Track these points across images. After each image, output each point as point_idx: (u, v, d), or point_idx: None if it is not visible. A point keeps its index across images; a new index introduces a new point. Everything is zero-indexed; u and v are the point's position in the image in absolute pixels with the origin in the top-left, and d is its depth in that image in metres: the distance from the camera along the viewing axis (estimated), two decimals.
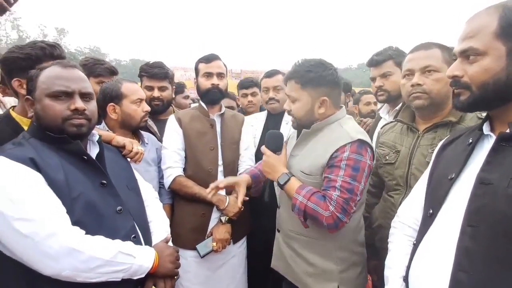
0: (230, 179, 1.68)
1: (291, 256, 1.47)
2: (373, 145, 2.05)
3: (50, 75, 1.06)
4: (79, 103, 1.07)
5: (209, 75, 1.89)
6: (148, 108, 1.77)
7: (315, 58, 1.44)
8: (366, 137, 1.34)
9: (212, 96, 1.89)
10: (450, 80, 1.29)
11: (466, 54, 0.86)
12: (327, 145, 1.34)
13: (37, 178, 0.93)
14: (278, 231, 1.58)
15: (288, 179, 1.38)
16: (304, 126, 1.45)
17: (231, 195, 1.83)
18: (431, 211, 0.92)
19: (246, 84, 2.70)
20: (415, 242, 0.97)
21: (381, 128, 1.68)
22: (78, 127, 1.07)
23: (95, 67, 1.97)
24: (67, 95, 1.06)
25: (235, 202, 1.77)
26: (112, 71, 2.07)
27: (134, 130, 1.76)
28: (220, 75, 1.91)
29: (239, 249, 1.96)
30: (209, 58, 1.91)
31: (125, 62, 47.86)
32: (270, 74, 2.29)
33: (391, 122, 1.64)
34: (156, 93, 2.17)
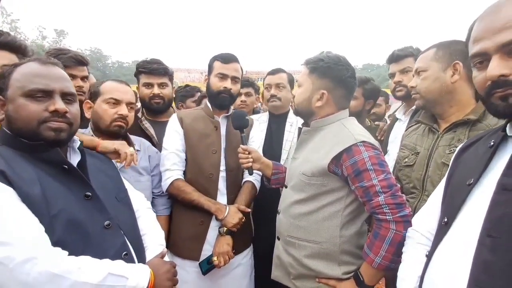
0: (257, 153, 1.65)
1: (291, 264, 1.38)
2: (392, 146, 1.98)
3: (26, 72, 0.93)
4: (60, 104, 0.93)
5: (223, 76, 1.73)
6: (124, 112, 1.46)
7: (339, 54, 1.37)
8: (370, 139, 1.28)
9: (221, 101, 1.74)
10: (435, 79, 1.26)
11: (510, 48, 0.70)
12: (330, 146, 1.27)
13: (9, 193, 0.81)
14: (278, 238, 1.48)
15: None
16: (300, 115, 1.46)
17: (233, 205, 1.71)
18: (446, 219, 0.84)
19: (242, 83, 2.47)
20: (427, 253, 0.91)
21: (405, 131, 1.61)
22: (56, 132, 0.93)
23: (58, 58, 1.68)
24: (46, 94, 0.93)
25: (236, 213, 1.66)
26: (80, 61, 1.78)
27: (121, 135, 1.53)
28: (235, 79, 1.76)
29: (244, 260, 1.83)
30: (227, 58, 1.74)
31: (128, 64, 47.70)
32: (273, 71, 2.22)
33: (415, 124, 1.56)
34: (156, 90, 1.99)
